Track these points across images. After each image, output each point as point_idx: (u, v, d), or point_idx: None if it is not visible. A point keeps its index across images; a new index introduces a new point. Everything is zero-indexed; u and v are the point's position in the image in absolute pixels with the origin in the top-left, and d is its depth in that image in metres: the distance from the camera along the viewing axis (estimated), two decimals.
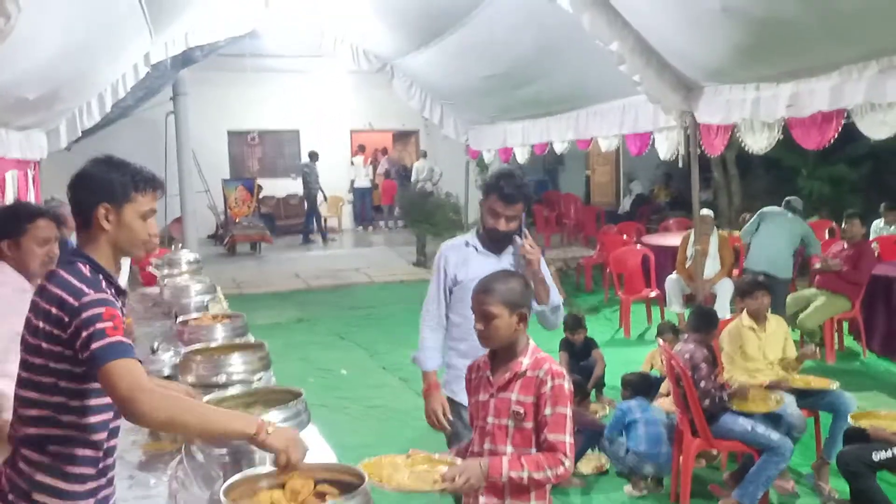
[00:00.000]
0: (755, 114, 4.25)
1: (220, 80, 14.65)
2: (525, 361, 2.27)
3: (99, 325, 1.78)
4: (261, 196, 15.42)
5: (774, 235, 6.78)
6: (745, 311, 4.55)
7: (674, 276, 7.58)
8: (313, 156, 15.42)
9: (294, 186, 16.86)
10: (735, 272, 7.54)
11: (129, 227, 1.96)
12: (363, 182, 16.92)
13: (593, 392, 5.61)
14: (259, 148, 17.05)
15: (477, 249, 3.09)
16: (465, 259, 3.09)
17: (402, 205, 15.71)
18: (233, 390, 2.42)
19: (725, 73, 4.33)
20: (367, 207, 17.32)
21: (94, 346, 1.76)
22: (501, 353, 2.30)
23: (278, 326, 8.70)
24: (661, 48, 4.47)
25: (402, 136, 19.05)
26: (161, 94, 10.56)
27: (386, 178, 17.81)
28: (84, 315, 1.79)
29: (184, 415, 1.77)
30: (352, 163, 16.91)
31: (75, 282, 1.85)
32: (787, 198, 7.10)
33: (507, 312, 2.22)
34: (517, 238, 3.01)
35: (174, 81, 10.65)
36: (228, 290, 8.68)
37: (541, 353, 2.32)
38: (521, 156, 7.64)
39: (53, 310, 1.82)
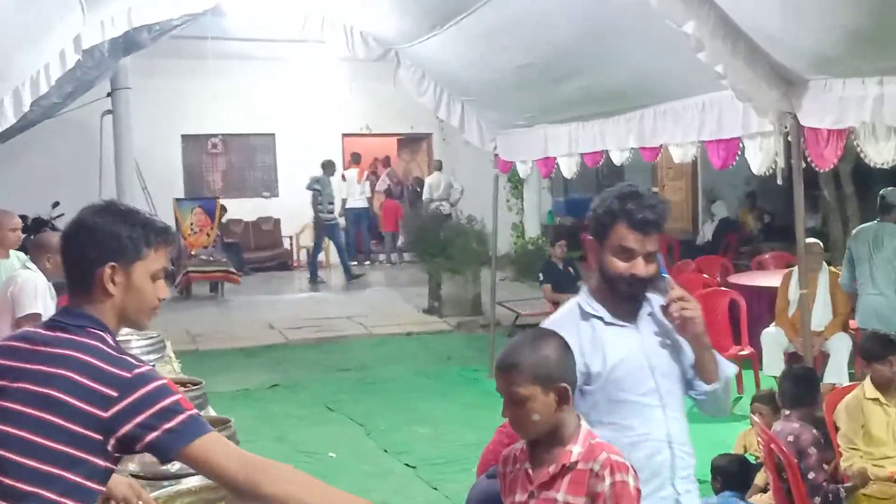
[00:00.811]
0: (877, 116, 4.24)
1: (174, 71, 14.90)
2: (575, 450, 2.26)
3: (170, 399, 1.92)
4: (224, 220, 15.56)
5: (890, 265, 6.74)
6: (868, 378, 4.51)
7: (772, 328, 7.53)
8: (328, 167, 15.57)
9: (269, 207, 17.01)
10: (852, 322, 7.49)
11: (138, 291, 2.08)
12: (358, 202, 17.05)
13: None
14: (223, 157, 17.27)
15: (605, 320, 2.64)
16: (594, 338, 2.60)
17: (410, 232, 15.79)
18: (189, 483, 2.43)
19: (839, 62, 4.33)
20: (362, 235, 17.42)
21: (172, 424, 1.89)
22: (544, 441, 2.30)
23: (247, 395, 8.73)
24: (753, 30, 4.49)
25: (409, 143, 19.23)
26: (96, 88, 10.72)
27: (387, 198, 17.92)
28: (144, 390, 1.89)
29: (303, 493, 1.98)
30: (343, 177, 17.04)
31: (111, 351, 1.96)
32: (882, 193, 7.01)
33: (541, 391, 2.22)
34: (662, 283, 2.65)
35: (113, 72, 10.82)
36: (181, 346, 8.70)
37: (596, 438, 2.32)
38: (568, 169, 7.63)
39: (86, 381, 1.89)
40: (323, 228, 15.38)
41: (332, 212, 15.36)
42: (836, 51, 4.23)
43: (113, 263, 2.03)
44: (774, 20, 4.32)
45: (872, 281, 6.86)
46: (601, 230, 2.60)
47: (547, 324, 2.66)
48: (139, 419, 1.87)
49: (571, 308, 2.73)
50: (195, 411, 1.96)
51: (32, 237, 6.85)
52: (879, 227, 6.97)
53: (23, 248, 6.04)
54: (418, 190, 17.74)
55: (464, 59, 7.13)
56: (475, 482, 5.47)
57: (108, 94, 11.56)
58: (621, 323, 2.63)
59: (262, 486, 1.90)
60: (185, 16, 7.58)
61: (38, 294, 4.49)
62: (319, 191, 15.00)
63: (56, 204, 13.36)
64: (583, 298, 2.72)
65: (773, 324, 7.58)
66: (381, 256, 17.70)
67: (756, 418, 5.07)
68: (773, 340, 7.46)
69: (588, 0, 5.32)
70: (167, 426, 1.88)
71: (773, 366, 7.37)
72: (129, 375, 1.90)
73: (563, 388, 2.26)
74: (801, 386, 4.37)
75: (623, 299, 2.62)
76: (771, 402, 5.41)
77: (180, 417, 1.90)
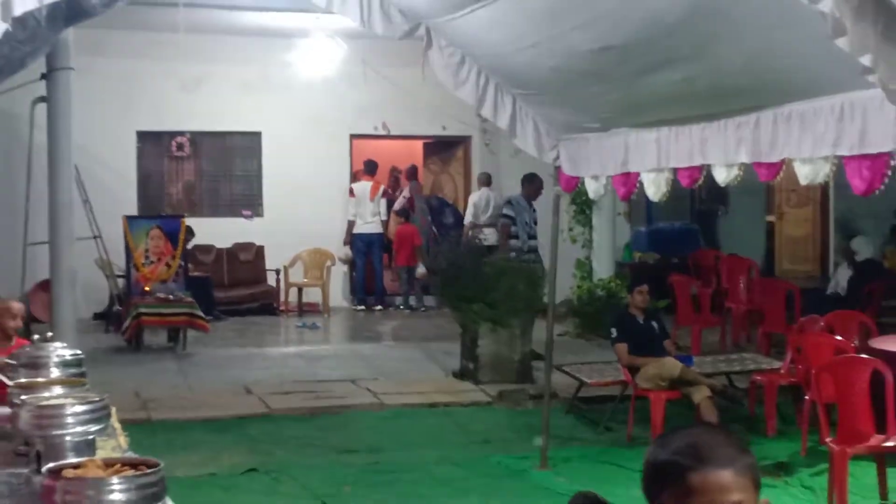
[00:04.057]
0: None
1: (131, 48, 15.13)
2: None
3: None
4: (190, 246, 15.66)
5: None
6: None
7: None
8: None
9: (250, 231, 17.11)
10: None
11: None
12: (370, 225, 17.10)
13: None
14: (191, 163, 17.43)
15: None
16: None
17: (436, 267, 15.75)
18: None
19: None
20: (375, 270, 17.44)
21: None
22: None
23: (215, 481, 8.76)
24: None
25: (439, 149, 19.38)
26: (27, 69, 10.85)
27: (405, 221, 17.89)
28: None
29: None
30: (351, 192, 17.12)
31: None
32: None
33: (754, 494, 2.20)
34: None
35: (51, 48, 10.95)
36: (129, 414, 8.75)
37: None
38: (655, 189, 7.64)
39: None
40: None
41: (534, 249, 14.33)
42: None
43: None
44: None
45: None
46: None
47: None
48: None
49: None
50: None
51: None
52: None
53: None
54: (446, 209, 17.81)
55: (520, 39, 7.18)
56: None
57: (43, 76, 11.69)
58: None
59: None
60: None
61: None
62: (513, 218, 14.34)
63: None
64: None
65: None
66: (398, 300, 17.72)
67: None
68: None
69: None
70: None
71: None
72: None
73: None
74: None
75: None
76: None
77: None
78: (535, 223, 14.03)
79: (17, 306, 7.68)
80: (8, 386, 5.28)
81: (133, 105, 16.18)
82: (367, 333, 15.83)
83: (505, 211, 14.05)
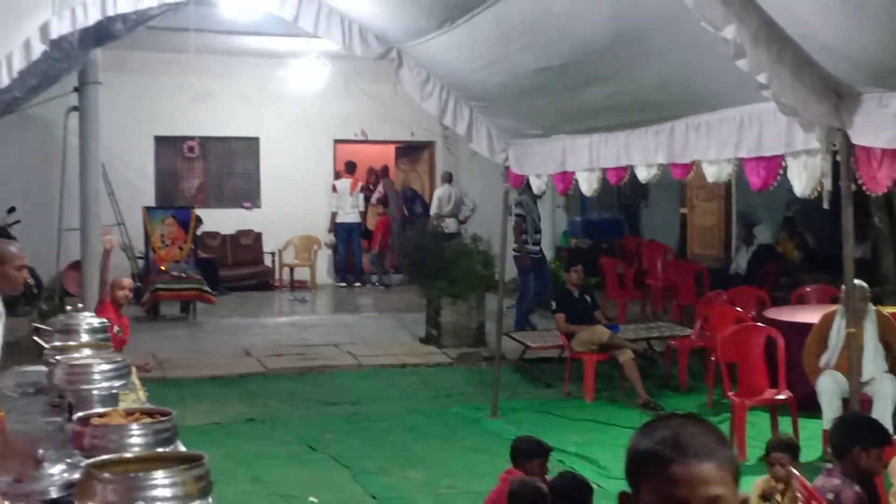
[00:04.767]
0: None
1: (150, 66, 14.98)
2: None
3: None
4: (199, 232, 15.58)
5: None
6: None
7: (827, 374, 7.43)
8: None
9: (250, 220, 17.03)
10: None
11: None
12: (349, 216, 17.05)
13: None
14: (200, 163, 17.30)
15: None
16: None
17: (406, 251, 15.72)
18: None
19: None
20: (354, 253, 17.41)
21: None
22: None
23: (219, 429, 8.70)
24: (800, 36, 4.50)
25: (408, 152, 19.31)
26: (62, 82, 10.76)
27: (384, 212, 17.90)
28: None
29: None
30: (334, 188, 17.07)
31: None
32: None
33: (734, 488, 1.88)
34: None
35: (82, 66, 10.85)
36: (148, 373, 8.70)
37: None
38: (587, 185, 7.65)
39: None
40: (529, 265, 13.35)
41: (538, 243, 13.70)
42: (894, 61, 4.24)
43: None
44: (827, 25, 4.33)
45: None
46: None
47: None
48: None
49: None
50: None
51: None
52: None
53: None
54: (414, 202, 17.75)
55: (475, 60, 7.15)
56: None
57: (75, 90, 11.57)
58: None
59: None
60: (165, 5, 7.60)
61: None
62: (524, 217, 13.67)
63: (12, 209, 13.39)
64: None
65: (824, 366, 7.54)
66: (374, 278, 17.68)
67: (779, 469, 5.11)
68: (831, 384, 7.35)
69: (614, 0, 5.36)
70: None
71: (832, 416, 7.09)
72: None
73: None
74: (850, 436, 4.35)
75: None
76: (789, 450, 5.41)
77: None
78: (540, 219, 13.80)
79: (126, 281, 7.82)
80: (45, 348, 5.24)
81: (151, 114, 16.03)
82: (348, 306, 15.79)
83: (516, 211, 13.81)
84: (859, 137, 4.80)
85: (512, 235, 12.28)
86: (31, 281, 13.23)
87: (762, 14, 4.47)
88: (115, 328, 7.30)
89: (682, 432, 1.83)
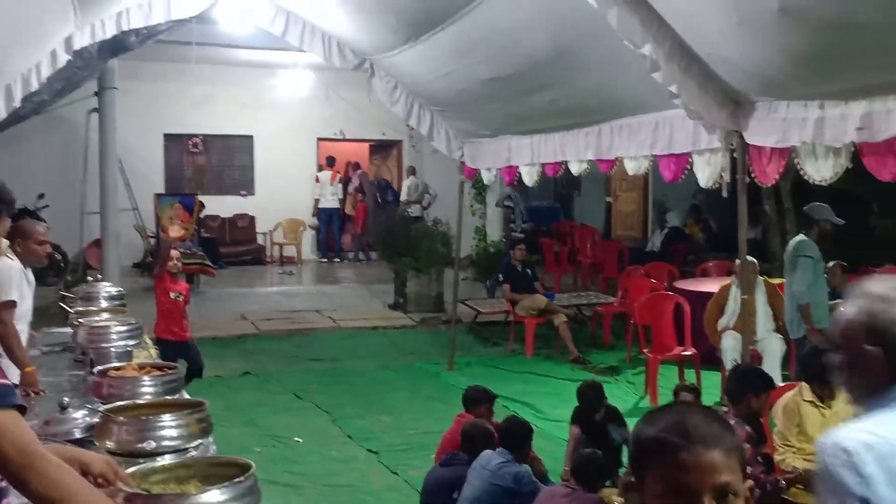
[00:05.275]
0: (818, 136, 4.30)
1: (158, 73, 14.74)
2: None
3: None
4: (202, 216, 15.42)
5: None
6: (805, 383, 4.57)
7: (730, 335, 7.53)
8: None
9: (245, 205, 16.90)
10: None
11: None
12: (330, 202, 16.96)
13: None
14: (202, 157, 17.10)
15: None
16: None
17: (378, 232, 15.72)
18: (163, 461, 2.41)
19: (783, 86, 4.39)
20: (333, 234, 17.34)
21: None
22: None
23: (219, 382, 8.65)
24: (705, 54, 4.53)
25: (380, 149, 19.18)
26: (83, 87, 10.60)
27: (363, 199, 17.82)
28: None
29: (75, 498, 1.77)
30: (317, 179, 16.97)
31: None
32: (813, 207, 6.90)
33: (741, 476, 1.57)
34: None
35: (101, 73, 10.70)
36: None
37: None
38: (529, 177, 7.68)
39: None
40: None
41: (525, 231, 13.69)
42: (781, 75, 4.28)
43: None
44: (726, 45, 4.36)
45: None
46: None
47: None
48: None
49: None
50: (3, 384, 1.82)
51: None
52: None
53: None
54: (386, 191, 17.68)
55: (435, 71, 7.13)
56: (431, 468, 5.50)
57: (95, 94, 11.43)
58: None
59: (29, 483, 1.75)
60: (171, 21, 7.50)
61: (13, 281, 4.41)
62: (512, 208, 13.48)
63: (41, 195, 13.17)
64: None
65: (723, 328, 7.63)
66: (351, 254, 17.62)
67: None
68: (732, 346, 7.38)
69: (554, 21, 5.35)
70: None
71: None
72: None
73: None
74: (742, 384, 4.42)
75: None
76: (692, 392, 5.52)
77: None
78: (526, 210, 13.86)
79: (174, 252, 7.57)
80: (70, 313, 5.19)
81: (160, 115, 15.81)
82: (329, 278, 15.71)
83: (506, 203, 14.00)
84: (753, 138, 4.85)
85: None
86: (57, 256, 13.15)
87: (674, 34, 4.50)
88: (172, 294, 7.30)
89: (687, 419, 1.56)
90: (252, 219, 16.93)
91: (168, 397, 3.16)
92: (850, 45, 3.73)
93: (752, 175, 4.99)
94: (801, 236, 6.85)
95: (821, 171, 4.43)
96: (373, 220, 16.98)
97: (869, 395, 1.91)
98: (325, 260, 17.31)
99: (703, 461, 1.50)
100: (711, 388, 7.60)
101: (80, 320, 4.67)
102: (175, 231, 13.90)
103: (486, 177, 8.76)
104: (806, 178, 4.57)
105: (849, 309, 1.95)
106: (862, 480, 1.75)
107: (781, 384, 5.50)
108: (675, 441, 1.52)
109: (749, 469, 4.04)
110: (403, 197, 16.68)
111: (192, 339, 7.66)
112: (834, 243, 7.34)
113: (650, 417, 1.62)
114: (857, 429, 1.83)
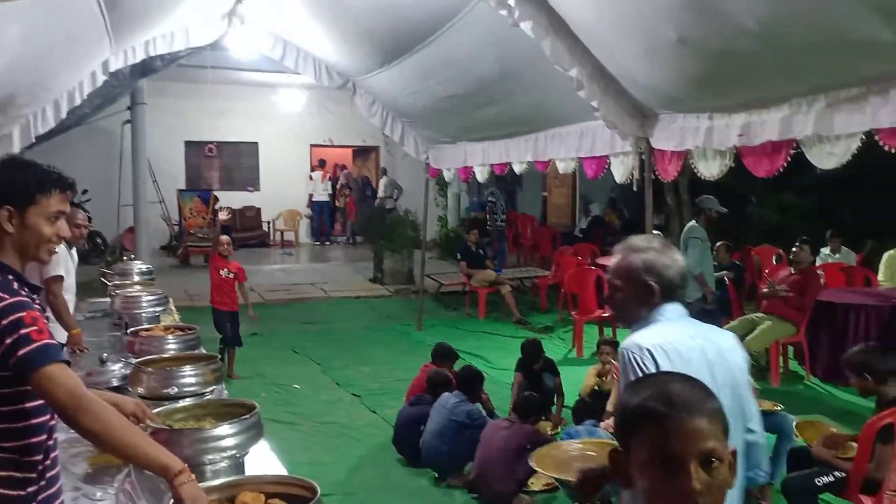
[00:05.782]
0: (708, 142, 4.36)
1: (180, 91, 14.49)
2: None
3: (23, 331, 1.74)
4: (217, 207, 15.22)
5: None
6: None
7: None
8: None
9: (252, 199, 16.73)
10: None
11: (33, 230, 1.90)
12: (321, 196, 16.88)
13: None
14: (217, 159, 16.86)
15: None
16: None
17: (361, 220, 15.70)
18: (184, 403, 2.39)
19: (680, 101, 4.43)
20: (325, 222, 17.24)
21: (22, 351, 1.72)
22: None
23: None
24: (619, 76, 4.56)
25: (362, 153, 19.04)
26: (118, 102, 10.41)
27: (351, 194, 17.74)
28: (4, 322, 1.74)
29: (116, 431, 1.74)
30: (310, 177, 16.85)
31: None
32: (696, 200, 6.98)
33: (725, 441, 1.31)
34: None
35: (132, 90, 10.51)
36: (181, 302, 8.48)
37: None
38: (481, 175, 7.68)
39: None
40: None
41: (504, 221, 13.49)
42: (679, 92, 4.32)
43: (9, 207, 1.87)
44: (636, 69, 4.39)
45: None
46: None
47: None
48: (5, 344, 1.75)
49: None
50: (44, 342, 1.75)
51: None
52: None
53: None
54: (368, 188, 17.58)
55: (405, 90, 7.10)
56: (402, 407, 5.51)
57: (128, 108, 11.25)
58: None
59: (79, 420, 1.71)
60: (190, 48, 7.38)
61: (60, 260, 4.34)
62: (494, 203, 13.22)
63: (85, 191, 12.91)
64: None
65: None
66: (341, 239, 17.53)
67: (606, 357, 5.44)
68: None
69: (499, 49, 5.34)
70: (20, 354, 1.73)
71: None
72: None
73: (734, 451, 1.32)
74: None
75: None
76: (611, 345, 5.58)
77: (28, 347, 1.73)
78: (506, 204, 13.83)
79: (224, 238, 7.21)
80: (109, 286, 5.11)
81: (182, 125, 15.57)
82: (321, 258, 15.59)
83: (489, 198, 13.91)
84: (657, 143, 4.90)
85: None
86: (99, 240, 12.94)
87: (595, 61, 4.52)
88: (222, 272, 7.11)
89: (670, 387, 1.30)
90: (258, 210, 16.75)
91: (188, 352, 3.13)
92: (732, 70, 3.78)
93: (657, 173, 5.03)
94: (692, 222, 6.92)
95: (710, 169, 4.49)
96: (359, 211, 16.93)
97: (635, 317, 2.14)
98: (318, 243, 17.19)
99: (688, 428, 1.25)
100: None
101: (117, 291, 4.61)
102: (223, 214, 13.76)
103: (447, 175, 8.76)
104: (699, 175, 4.62)
105: (630, 257, 2.22)
106: (655, 366, 1.93)
107: None
108: (659, 409, 1.27)
109: None
110: (380, 192, 16.65)
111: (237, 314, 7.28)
112: (719, 228, 7.43)
113: (634, 386, 1.36)
114: (646, 336, 2.01)
